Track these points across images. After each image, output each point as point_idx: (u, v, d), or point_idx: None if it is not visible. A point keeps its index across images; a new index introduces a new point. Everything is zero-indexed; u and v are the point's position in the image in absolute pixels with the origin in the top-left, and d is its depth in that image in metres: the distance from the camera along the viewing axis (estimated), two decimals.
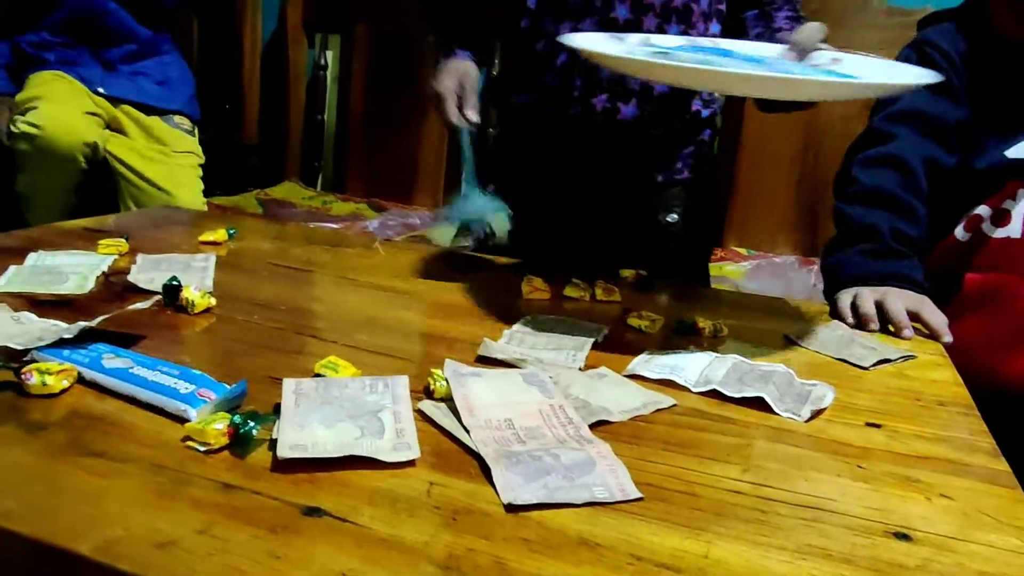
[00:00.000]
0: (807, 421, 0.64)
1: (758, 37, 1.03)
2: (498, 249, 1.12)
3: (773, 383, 0.69)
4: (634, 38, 0.91)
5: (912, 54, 1.05)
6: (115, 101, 1.96)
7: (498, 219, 1.01)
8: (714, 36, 1.06)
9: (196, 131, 2.10)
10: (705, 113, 1.12)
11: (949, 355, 0.83)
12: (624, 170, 1.10)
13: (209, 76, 2.60)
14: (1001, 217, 1.00)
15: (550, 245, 1.12)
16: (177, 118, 2.05)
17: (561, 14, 1.04)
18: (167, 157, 1.97)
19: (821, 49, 0.88)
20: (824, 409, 0.67)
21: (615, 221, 1.12)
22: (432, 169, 2.42)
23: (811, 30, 0.88)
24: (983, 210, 1.01)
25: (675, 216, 1.13)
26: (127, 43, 1.98)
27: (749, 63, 0.79)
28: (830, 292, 0.99)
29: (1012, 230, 0.99)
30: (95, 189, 1.93)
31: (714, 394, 0.68)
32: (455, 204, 1.03)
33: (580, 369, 0.71)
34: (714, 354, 0.75)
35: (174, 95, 2.06)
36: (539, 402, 0.62)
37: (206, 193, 2.27)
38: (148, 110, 2.00)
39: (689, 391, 0.68)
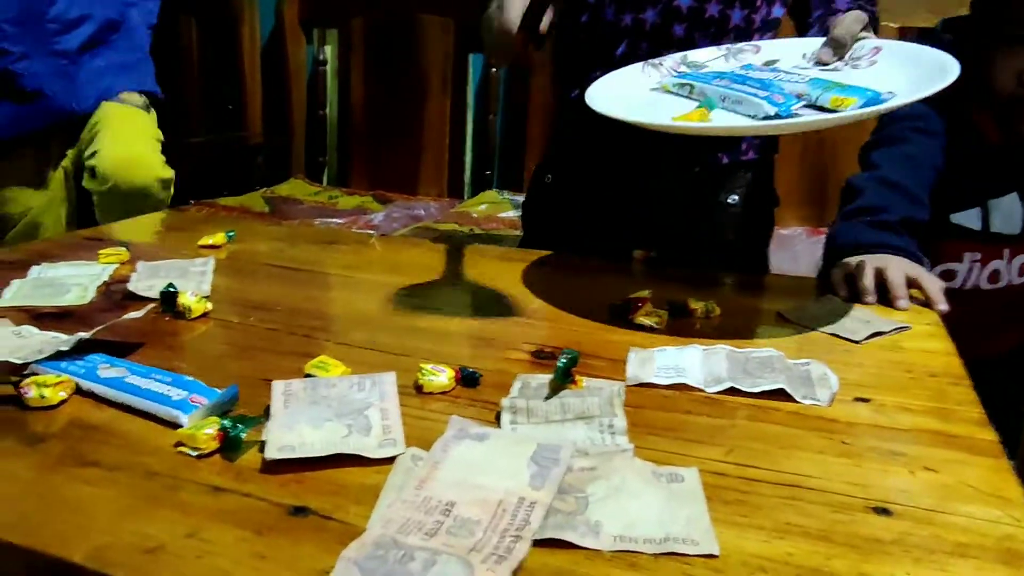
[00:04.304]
0: (829, 406, 0.63)
1: (819, 19, 1.01)
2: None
3: (778, 370, 0.68)
4: (670, 60, 0.91)
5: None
6: None
7: None
8: (776, 19, 1.05)
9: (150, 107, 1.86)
10: None
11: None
12: (687, 154, 1.08)
13: (211, 78, 2.62)
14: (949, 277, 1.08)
15: (608, 229, 1.11)
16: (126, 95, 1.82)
17: (623, 4, 1.02)
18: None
19: (861, 39, 0.87)
20: (836, 392, 0.66)
21: (676, 204, 1.11)
22: (436, 159, 2.43)
23: (849, 22, 0.86)
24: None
25: (736, 197, 1.11)
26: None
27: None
28: (829, 262, 0.98)
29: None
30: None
31: (732, 391, 0.65)
32: None
33: (631, 454, 0.55)
34: (701, 346, 0.74)
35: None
36: (512, 491, 0.48)
37: (213, 195, 2.29)
38: None
39: (703, 391, 0.66)
